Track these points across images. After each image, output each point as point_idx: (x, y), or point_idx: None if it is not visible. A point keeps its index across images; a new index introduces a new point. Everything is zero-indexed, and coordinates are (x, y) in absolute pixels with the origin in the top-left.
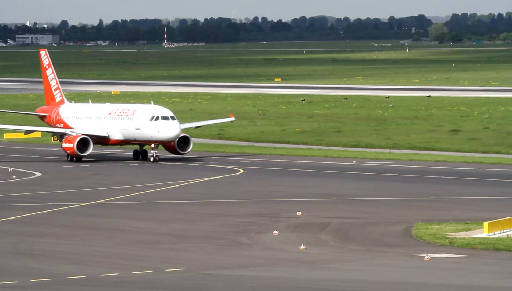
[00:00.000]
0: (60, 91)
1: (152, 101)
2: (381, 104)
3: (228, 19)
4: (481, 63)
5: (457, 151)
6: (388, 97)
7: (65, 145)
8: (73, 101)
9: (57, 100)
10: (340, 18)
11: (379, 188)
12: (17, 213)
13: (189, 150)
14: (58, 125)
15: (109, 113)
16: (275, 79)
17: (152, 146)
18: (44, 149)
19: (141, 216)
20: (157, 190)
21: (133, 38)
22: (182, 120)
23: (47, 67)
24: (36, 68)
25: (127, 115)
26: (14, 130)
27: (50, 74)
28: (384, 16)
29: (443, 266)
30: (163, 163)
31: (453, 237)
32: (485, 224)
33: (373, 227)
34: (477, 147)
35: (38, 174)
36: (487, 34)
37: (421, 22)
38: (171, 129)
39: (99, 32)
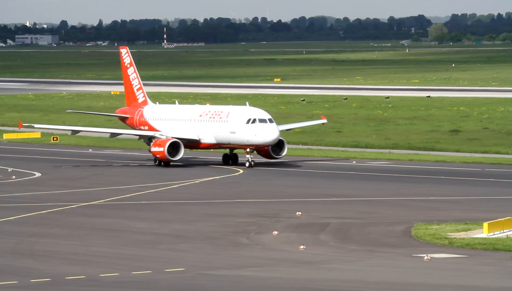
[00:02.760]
0: (143, 91)
1: (247, 103)
2: (381, 105)
3: (228, 19)
4: (480, 64)
5: (457, 151)
6: (388, 97)
7: (154, 149)
8: (157, 102)
9: (140, 100)
10: (340, 18)
11: (379, 188)
12: (17, 213)
13: (283, 154)
14: (141, 127)
15: (200, 115)
16: (275, 80)
17: (248, 150)
18: (44, 149)
19: (141, 216)
20: (157, 190)
21: (133, 38)
22: None
23: (128, 66)
24: (35, 68)
25: (220, 118)
26: (99, 133)
27: (132, 73)
28: (383, 16)
29: (443, 266)
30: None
31: (452, 237)
32: (485, 224)
33: (373, 227)
34: (476, 147)
35: (37, 174)
36: (486, 34)
37: (420, 22)
38: (269, 133)
39: (98, 32)
